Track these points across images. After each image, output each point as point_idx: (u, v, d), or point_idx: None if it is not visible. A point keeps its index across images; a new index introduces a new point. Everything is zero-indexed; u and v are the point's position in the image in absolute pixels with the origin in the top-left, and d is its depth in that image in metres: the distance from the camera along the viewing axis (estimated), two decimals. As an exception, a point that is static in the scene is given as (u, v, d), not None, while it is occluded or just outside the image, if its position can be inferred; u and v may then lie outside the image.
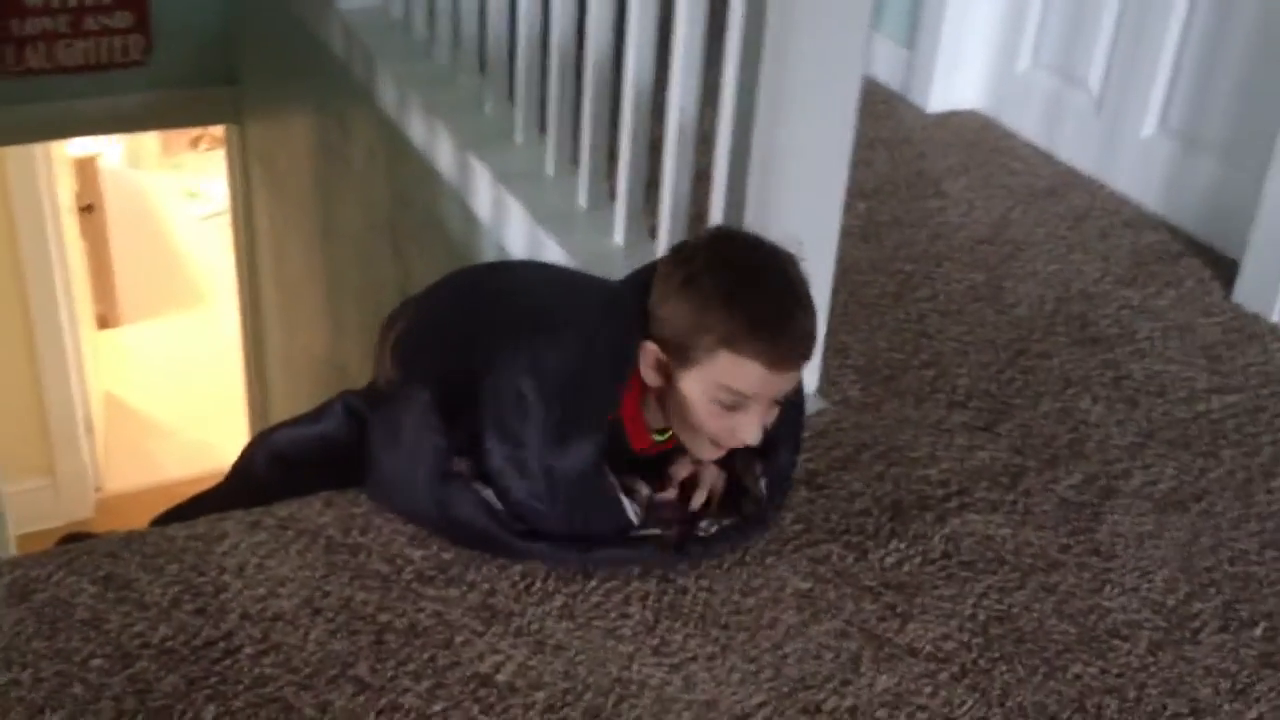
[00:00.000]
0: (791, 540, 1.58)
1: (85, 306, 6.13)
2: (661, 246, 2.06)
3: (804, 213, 1.72)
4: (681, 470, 1.51)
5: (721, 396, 1.35)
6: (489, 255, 2.48)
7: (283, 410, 4.77)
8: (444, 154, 2.58)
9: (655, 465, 1.52)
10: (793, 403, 1.51)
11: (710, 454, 1.45)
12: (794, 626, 1.46)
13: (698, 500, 1.51)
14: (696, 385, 1.36)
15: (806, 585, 1.52)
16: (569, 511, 1.45)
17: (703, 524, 1.51)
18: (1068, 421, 1.85)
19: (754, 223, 1.75)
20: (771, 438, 1.47)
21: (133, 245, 6.88)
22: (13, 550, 4.77)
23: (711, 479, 1.52)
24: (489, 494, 1.45)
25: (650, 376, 1.40)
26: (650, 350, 1.39)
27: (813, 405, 1.83)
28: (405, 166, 2.85)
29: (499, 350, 1.45)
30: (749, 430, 1.37)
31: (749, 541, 1.56)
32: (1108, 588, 1.55)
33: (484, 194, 2.41)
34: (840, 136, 1.70)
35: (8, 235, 5.10)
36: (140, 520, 1.73)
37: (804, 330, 1.35)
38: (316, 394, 4.18)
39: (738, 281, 1.34)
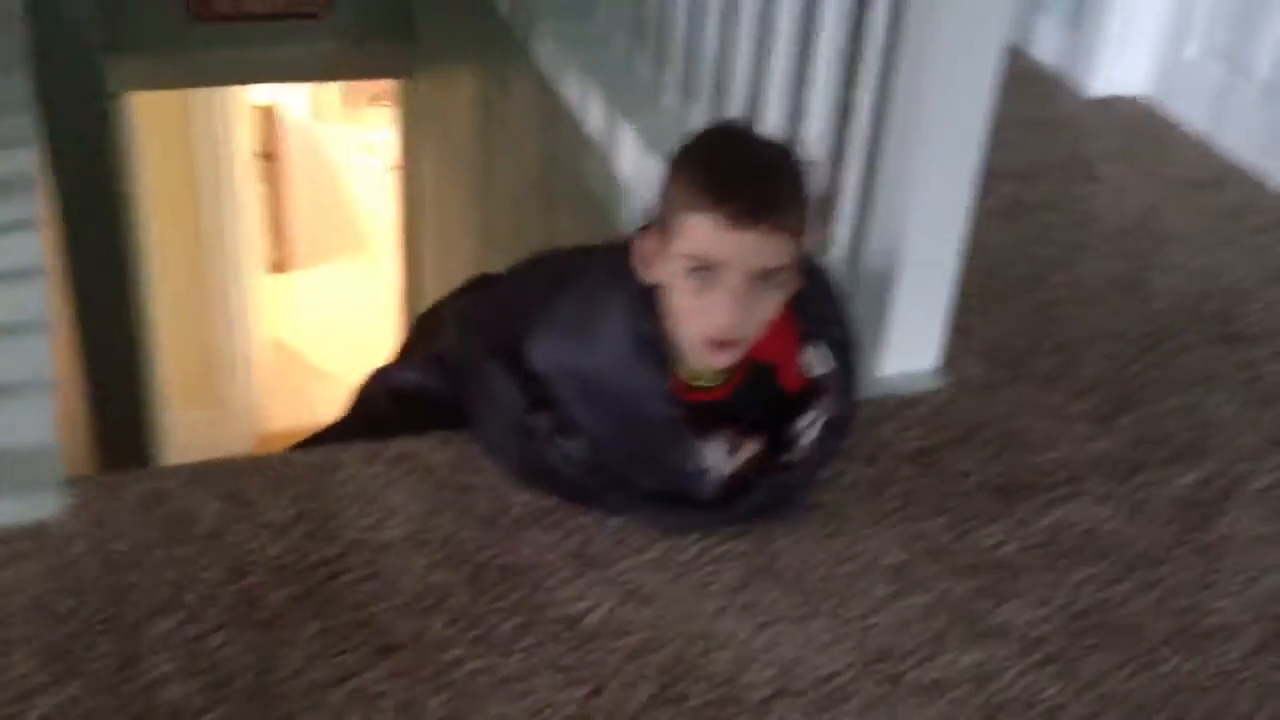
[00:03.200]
0: (891, 514, 1.58)
1: (259, 251, 6.38)
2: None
3: (934, 187, 1.71)
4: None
5: (690, 266, 1.34)
6: (630, 217, 2.51)
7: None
8: (594, 115, 2.62)
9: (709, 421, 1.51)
10: (839, 342, 1.50)
11: (706, 354, 1.40)
12: (884, 598, 1.47)
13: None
14: (672, 263, 1.36)
15: (901, 559, 1.52)
16: (641, 459, 1.48)
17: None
18: (1194, 419, 1.80)
19: (888, 201, 1.75)
20: (822, 384, 1.48)
21: (309, 194, 7.13)
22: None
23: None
24: (571, 446, 1.48)
25: (643, 271, 1.41)
26: (641, 241, 1.41)
27: (929, 383, 1.82)
28: (557, 126, 2.91)
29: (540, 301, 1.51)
30: (721, 307, 1.34)
31: (797, 492, 1.55)
32: (1212, 588, 1.51)
33: (628, 156, 2.45)
34: (974, 112, 1.68)
35: (188, 180, 5.35)
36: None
37: (766, 192, 1.33)
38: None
39: (708, 152, 1.38)
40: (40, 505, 1.48)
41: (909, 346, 1.81)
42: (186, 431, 5.39)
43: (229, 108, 5.48)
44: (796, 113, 2.07)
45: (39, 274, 1.89)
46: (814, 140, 2.01)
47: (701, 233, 1.32)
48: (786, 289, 1.39)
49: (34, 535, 1.45)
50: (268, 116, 6.48)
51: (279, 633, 1.36)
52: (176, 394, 5.36)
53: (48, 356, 1.70)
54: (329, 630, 1.37)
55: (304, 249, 7.06)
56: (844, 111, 1.97)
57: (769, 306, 1.38)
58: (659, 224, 1.38)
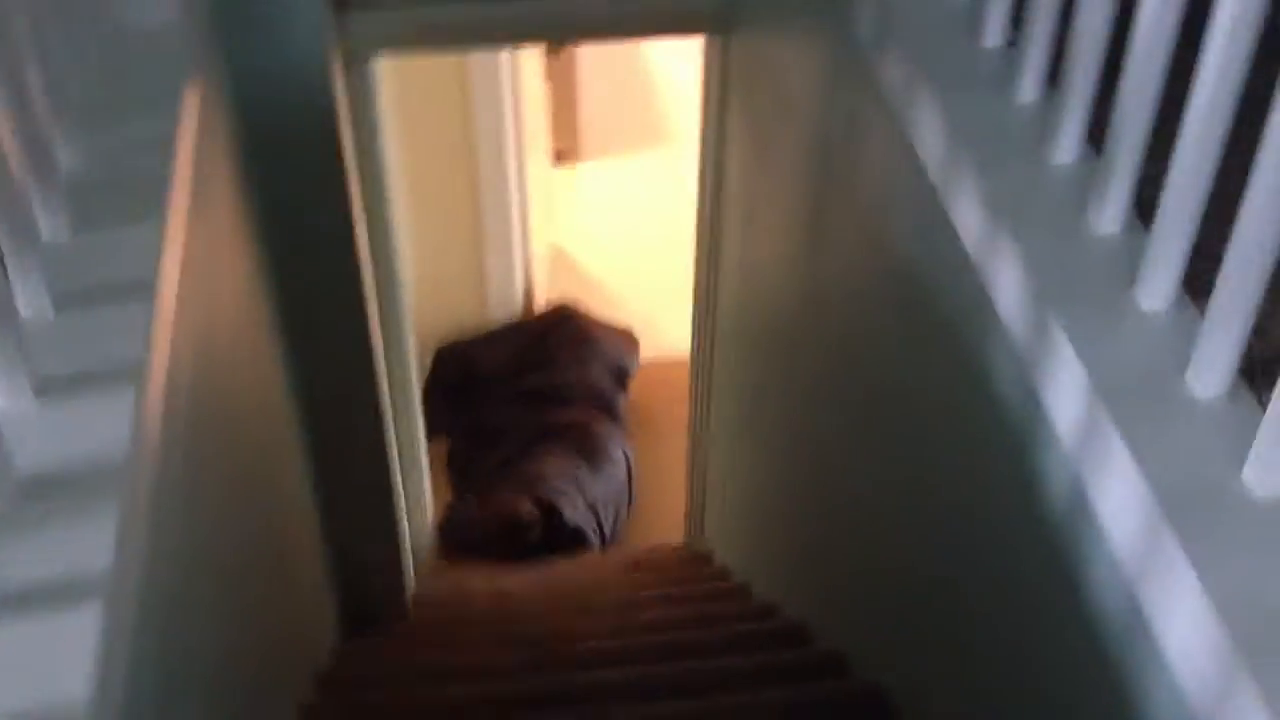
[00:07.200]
0: None
1: (541, 145, 5.81)
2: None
3: None
4: None
5: None
6: (1013, 395, 1.74)
7: (728, 312, 4.19)
8: (965, 208, 1.82)
9: None
10: None
11: None
12: None
13: None
14: None
15: None
16: None
17: None
18: None
19: None
20: None
21: (602, 76, 6.48)
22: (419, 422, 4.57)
23: None
24: None
25: None
26: None
27: None
28: (913, 194, 2.11)
29: None
30: None
31: None
32: None
33: (1008, 285, 1.66)
34: None
35: (461, 78, 4.83)
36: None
37: None
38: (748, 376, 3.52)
39: None
40: None
41: None
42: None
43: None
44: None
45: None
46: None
47: None
48: None
49: None
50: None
51: None
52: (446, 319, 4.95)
53: None
54: None
55: (592, 138, 6.45)
56: None
57: None
58: None
